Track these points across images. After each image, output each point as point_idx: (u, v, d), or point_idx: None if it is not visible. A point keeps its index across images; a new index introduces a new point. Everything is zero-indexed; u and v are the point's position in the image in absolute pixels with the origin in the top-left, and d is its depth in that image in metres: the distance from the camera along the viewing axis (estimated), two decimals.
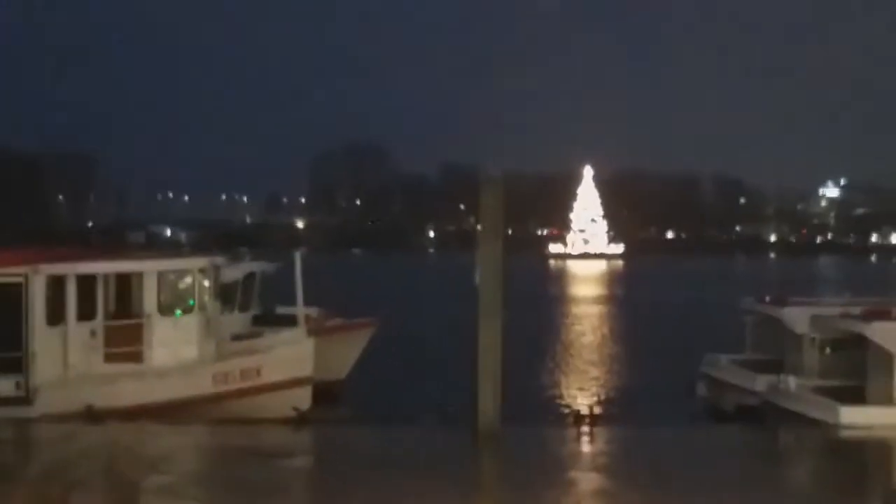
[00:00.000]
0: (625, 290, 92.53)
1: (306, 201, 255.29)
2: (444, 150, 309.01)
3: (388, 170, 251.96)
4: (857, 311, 27.71)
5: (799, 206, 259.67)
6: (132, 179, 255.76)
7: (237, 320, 33.07)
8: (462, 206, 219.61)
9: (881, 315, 26.67)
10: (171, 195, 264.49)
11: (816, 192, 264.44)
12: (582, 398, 33.75)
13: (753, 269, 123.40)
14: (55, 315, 25.52)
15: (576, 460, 20.36)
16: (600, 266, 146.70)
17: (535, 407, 30.65)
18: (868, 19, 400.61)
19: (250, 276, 35.43)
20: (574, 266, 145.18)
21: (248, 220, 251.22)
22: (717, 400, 30.64)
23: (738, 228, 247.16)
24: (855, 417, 23.89)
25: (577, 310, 70.13)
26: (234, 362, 26.19)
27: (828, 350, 27.85)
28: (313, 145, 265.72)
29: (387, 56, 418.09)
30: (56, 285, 25.61)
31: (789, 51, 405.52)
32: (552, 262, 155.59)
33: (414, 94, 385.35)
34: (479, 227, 21.95)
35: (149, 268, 26.83)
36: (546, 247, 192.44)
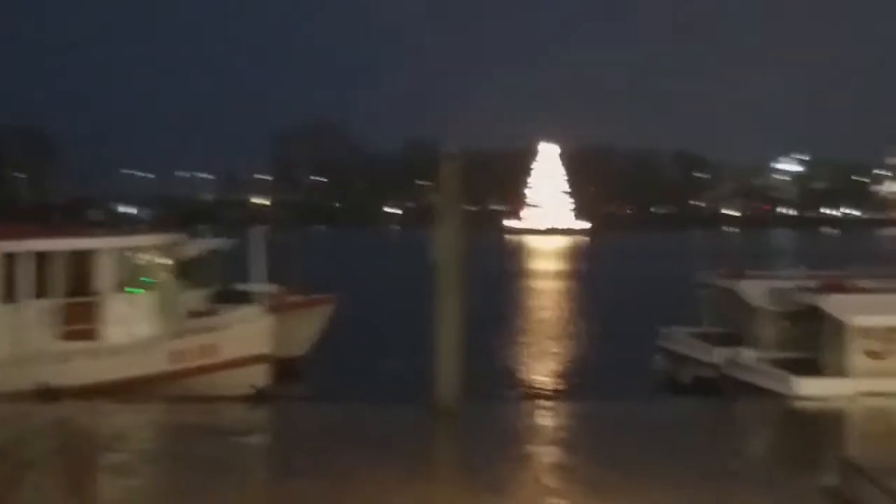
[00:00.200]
0: (586, 265, 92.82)
1: (268, 179, 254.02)
2: (407, 128, 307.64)
3: (350, 147, 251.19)
4: (812, 283, 28.01)
5: (759, 181, 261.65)
6: (93, 157, 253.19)
7: (196, 297, 32.87)
8: (424, 183, 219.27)
9: (836, 288, 27.00)
10: (132, 173, 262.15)
11: (776, 167, 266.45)
12: (541, 373, 33.87)
13: (713, 243, 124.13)
14: (10, 293, 25.32)
15: (534, 435, 20.43)
16: (564, 242, 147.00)
17: (495, 383, 30.68)
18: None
19: (209, 254, 35.22)
20: (537, 242, 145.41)
21: (209, 197, 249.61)
22: (674, 373, 30.85)
23: (699, 203, 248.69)
24: (810, 389, 24.16)
25: (537, 285, 70.30)
26: (191, 339, 26.04)
27: (784, 322, 28.10)
28: (275, 123, 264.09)
29: (346, 34, 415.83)
30: (11, 263, 25.38)
31: (751, 27, 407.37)
32: (512, 238, 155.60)
33: (376, 71, 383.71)
34: (437, 202, 21.90)
35: (105, 245, 26.61)
36: (506, 223, 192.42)
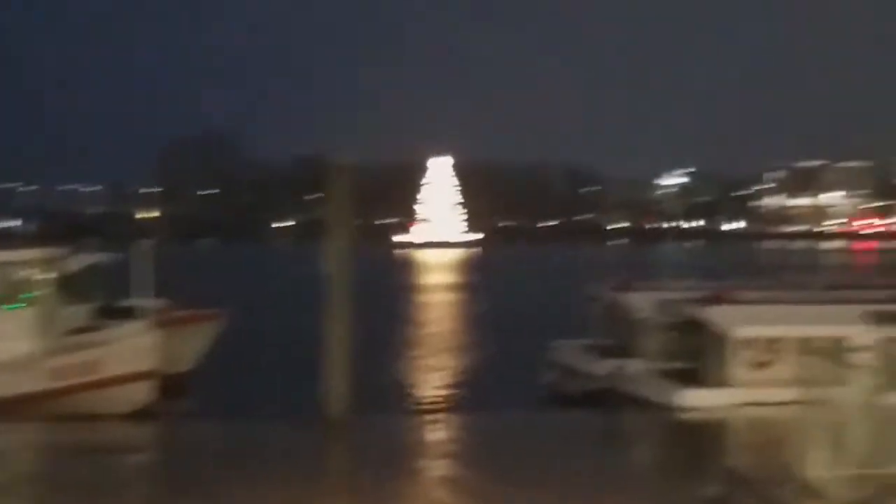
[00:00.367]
0: (477, 277, 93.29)
1: (157, 192, 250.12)
2: (298, 141, 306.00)
3: (240, 160, 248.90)
4: (696, 295, 28.52)
5: (646, 195, 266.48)
6: None
7: (78, 313, 32.08)
8: (314, 196, 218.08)
9: (718, 300, 27.53)
10: (13, 186, 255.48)
11: (662, 182, 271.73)
12: (432, 386, 33.87)
13: (601, 256, 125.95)
14: None
15: (425, 448, 20.39)
16: (455, 255, 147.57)
17: (386, 397, 30.56)
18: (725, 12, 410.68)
19: (92, 268, 34.37)
20: (427, 255, 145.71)
21: (95, 210, 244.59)
22: (563, 385, 31.08)
23: (588, 216, 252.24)
24: (693, 400, 24.58)
25: (428, 299, 70.39)
26: (73, 356, 25.45)
27: (670, 334, 28.51)
28: (165, 136, 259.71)
29: (239, 47, 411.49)
30: None
31: (640, 43, 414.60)
32: (403, 252, 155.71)
33: (268, 86, 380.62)
34: (327, 215, 21.75)
35: None
36: (397, 236, 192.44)
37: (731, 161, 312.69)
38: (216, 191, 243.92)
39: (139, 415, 24.05)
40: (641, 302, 29.65)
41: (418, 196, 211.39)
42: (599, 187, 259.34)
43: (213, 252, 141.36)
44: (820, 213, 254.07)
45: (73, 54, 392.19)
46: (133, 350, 25.48)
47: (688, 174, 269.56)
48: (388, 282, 76.77)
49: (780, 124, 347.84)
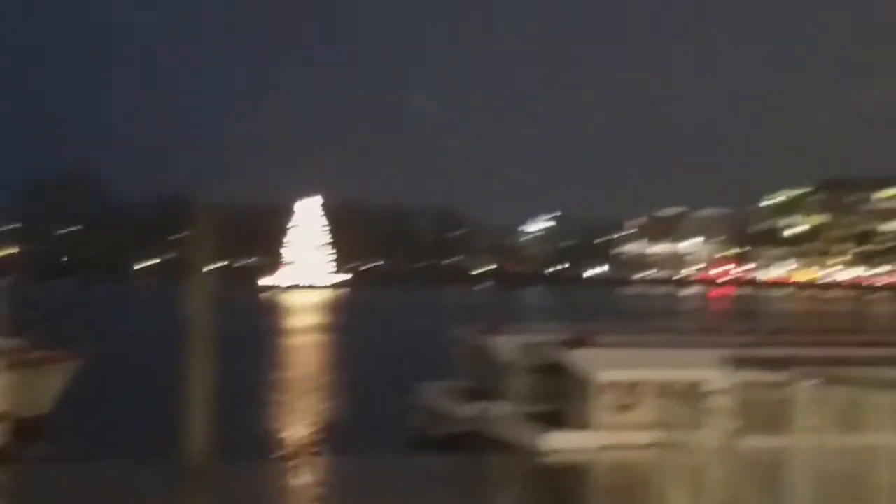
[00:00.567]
0: (344, 319, 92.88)
1: (15, 229, 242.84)
2: (162, 182, 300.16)
3: (104, 199, 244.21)
4: (560, 339, 28.92)
5: (511, 240, 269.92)
6: None
7: None
8: (178, 236, 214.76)
9: (581, 343, 27.97)
10: None
11: (529, 226, 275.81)
12: (296, 430, 33.51)
13: (467, 299, 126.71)
14: None
15: (288, 494, 20.17)
16: (322, 297, 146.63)
17: (249, 441, 30.13)
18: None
19: None
20: (293, 298, 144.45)
21: None
22: (428, 428, 31.08)
23: (455, 259, 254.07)
24: (556, 442, 24.86)
25: (293, 341, 69.75)
26: None
27: (533, 377, 28.78)
28: (25, 173, 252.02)
29: (104, 84, 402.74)
30: None
31: (507, 88, 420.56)
32: (269, 294, 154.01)
33: (133, 125, 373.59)
34: (189, 255, 21.45)
35: None
36: (263, 279, 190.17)
37: (595, 207, 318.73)
38: (78, 227, 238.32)
39: None
40: (506, 345, 29.92)
41: (285, 239, 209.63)
42: (467, 230, 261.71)
43: (74, 290, 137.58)
44: (678, 259, 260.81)
45: None
46: None
47: (553, 218, 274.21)
48: (253, 324, 75.78)
49: (644, 171, 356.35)
